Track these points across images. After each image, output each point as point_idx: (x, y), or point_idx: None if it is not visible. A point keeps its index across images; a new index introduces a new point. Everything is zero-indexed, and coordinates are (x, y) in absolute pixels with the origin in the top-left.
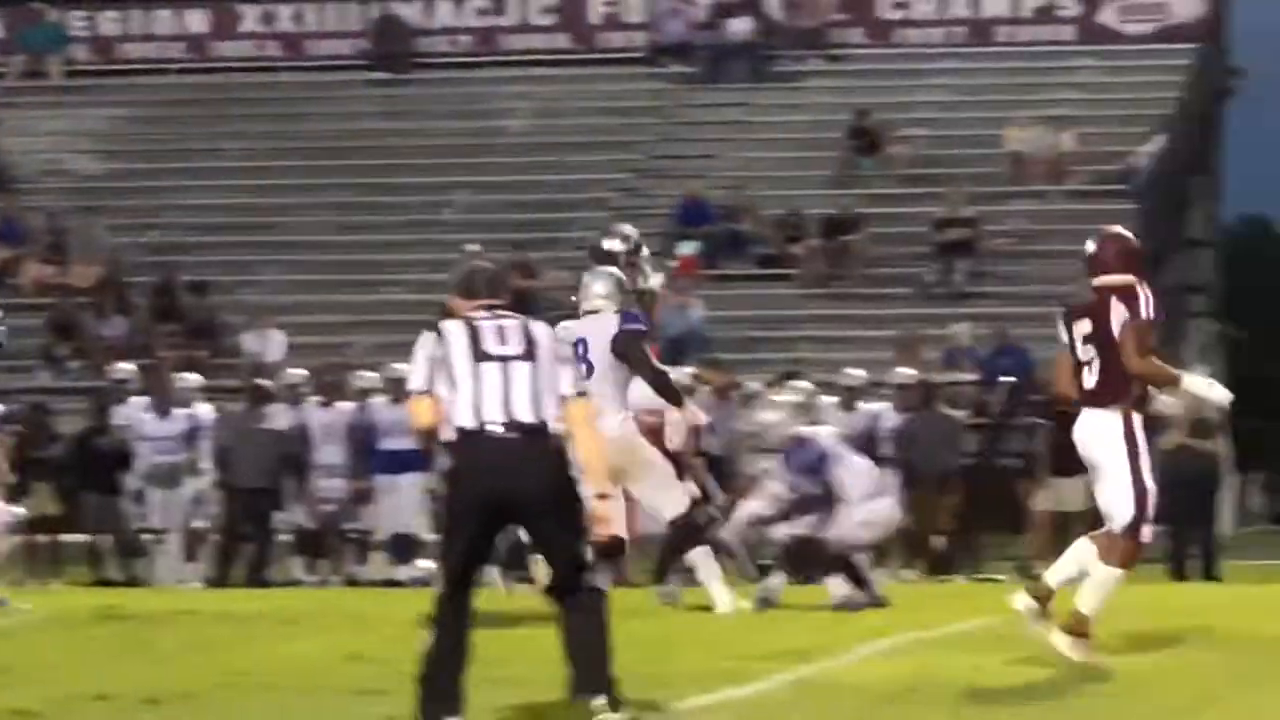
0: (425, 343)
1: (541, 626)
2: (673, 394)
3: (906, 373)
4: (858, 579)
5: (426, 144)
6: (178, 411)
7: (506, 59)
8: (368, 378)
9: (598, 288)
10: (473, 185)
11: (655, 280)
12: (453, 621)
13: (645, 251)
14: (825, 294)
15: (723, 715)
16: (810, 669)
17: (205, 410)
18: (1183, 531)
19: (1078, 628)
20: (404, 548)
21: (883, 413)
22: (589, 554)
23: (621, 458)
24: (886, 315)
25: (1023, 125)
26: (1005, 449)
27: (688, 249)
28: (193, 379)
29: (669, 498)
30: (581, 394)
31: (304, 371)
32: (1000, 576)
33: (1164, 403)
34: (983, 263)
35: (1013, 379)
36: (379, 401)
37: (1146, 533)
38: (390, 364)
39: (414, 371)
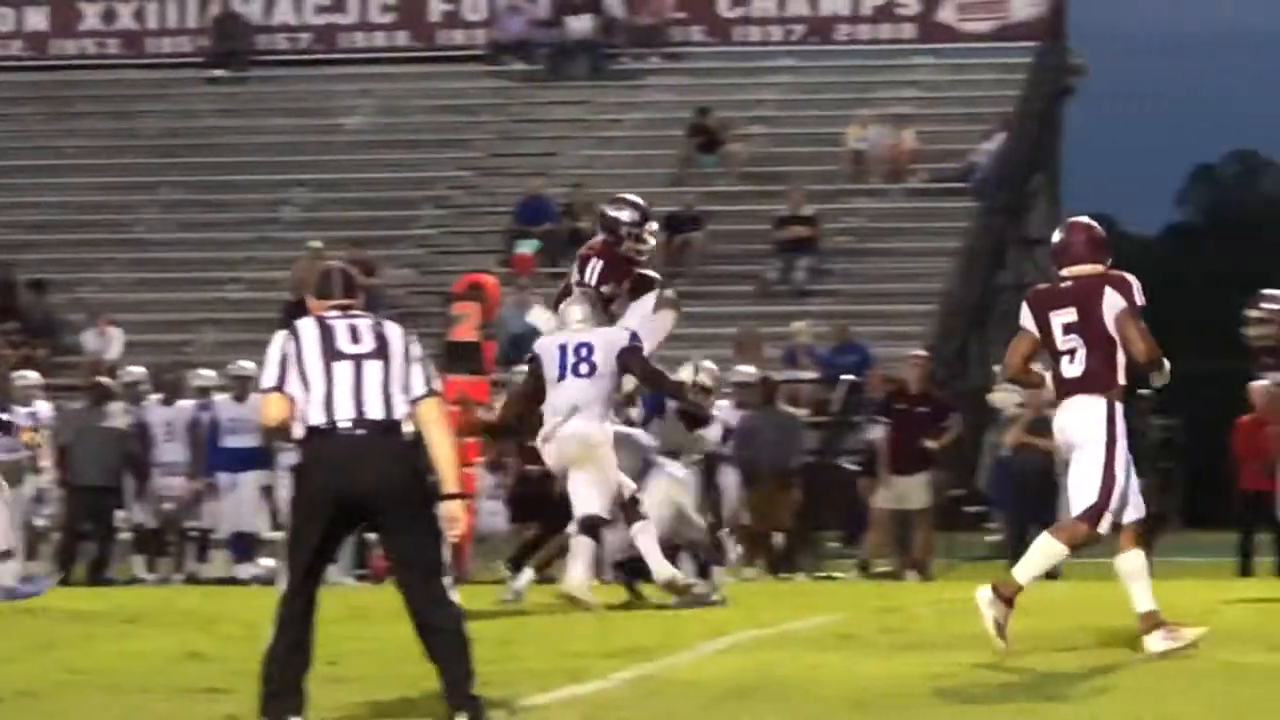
0: (278, 341)
1: (380, 625)
2: (677, 395)
3: (747, 370)
4: (703, 570)
5: (266, 141)
6: (18, 409)
7: (346, 57)
8: (206, 376)
9: (575, 312)
10: (313, 183)
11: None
12: (297, 620)
13: (653, 225)
14: None
15: (564, 714)
16: (651, 666)
17: (45, 408)
18: (1024, 528)
19: (1003, 590)
20: (245, 546)
21: (722, 410)
22: (444, 554)
23: (579, 452)
24: (727, 313)
25: (863, 123)
26: (845, 447)
27: (528, 247)
28: (33, 377)
29: (592, 496)
30: (433, 393)
31: (143, 369)
32: (840, 575)
33: (1001, 400)
34: (823, 260)
35: (853, 377)
36: (221, 399)
37: (1105, 523)
38: (231, 361)
39: (266, 369)
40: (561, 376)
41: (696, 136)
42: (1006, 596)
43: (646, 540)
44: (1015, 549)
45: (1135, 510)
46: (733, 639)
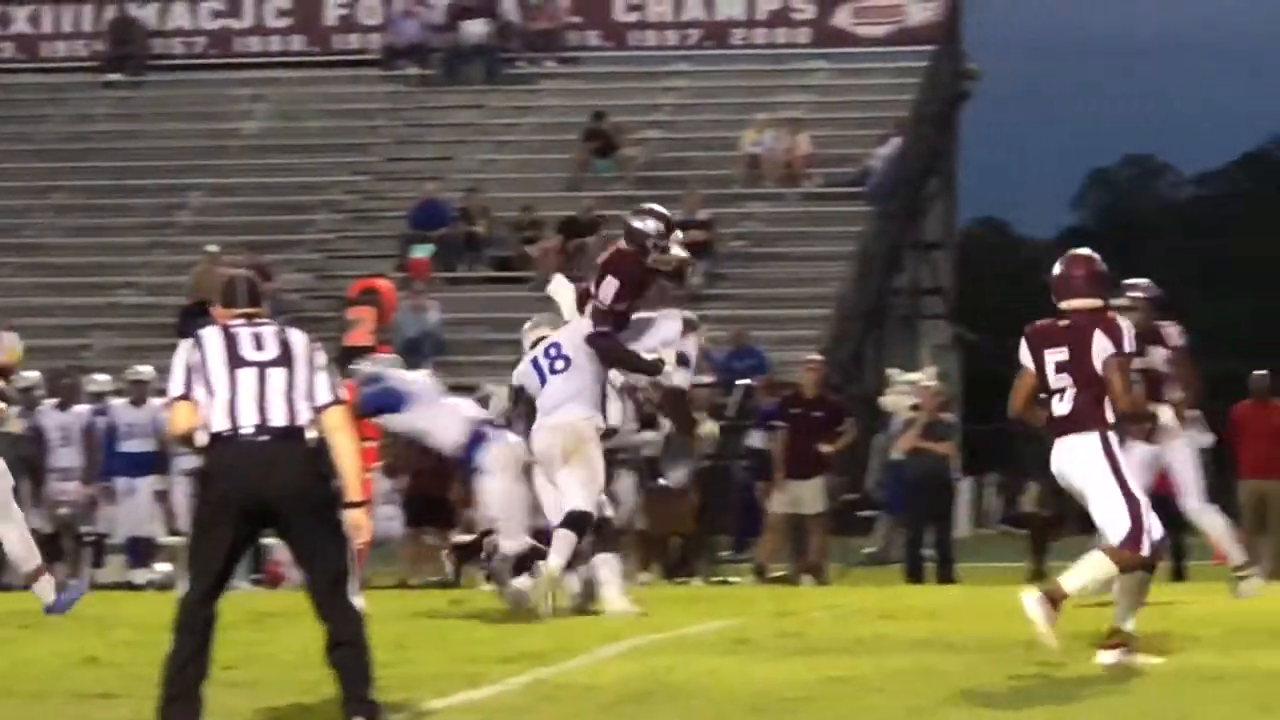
0: (183, 349)
1: (277, 630)
2: (650, 371)
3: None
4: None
5: (162, 146)
6: None
7: (242, 61)
8: (100, 380)
9: (540, 330)
10: (208, 187)
11: (677, 250)
12: (199, 626)
13: (679, 234)
14: None
15: (461, 718)
16: (548, 671)
17: None
18: (918, 533)
19: (1053, 595)
20: (141, 551)
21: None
22: (349, 560)
23: (568, 443)
24: None
25: (759, 127)
26: (741, 451)
27: (423, 251)
28: None
29: (581, 494)
30: (337, 401)
31: (38, 374)
32: (736, 579)
33: (892, 403)
34: (719, 264)
35: (749, 381)
36: (118, 403)
37: (1145, 545)
38: (128, 366)
39: (172, 378)
40: (544, 382)
41: (592, 141)
42: (1054, 601)
43: (607, 571)
44: (911, 552)
45: (1154, 530)
46: (629, 643)
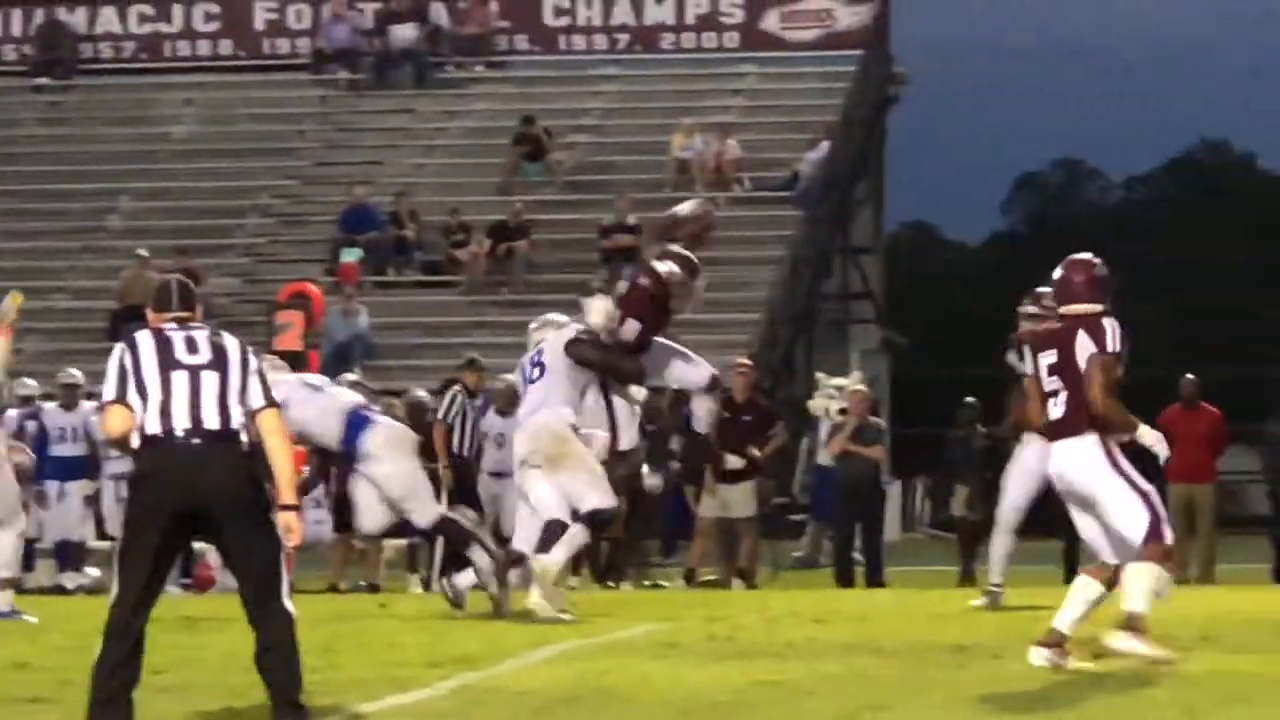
0: (116, 353)
1: (206, 634)
2: (635, 375)
3: None
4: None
5: (91, 150)
6: None
7: (171, 65)
8: (29, 385)
9: (544, 331)
10: (137, 191)
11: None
12: (130, 630)
13: (701, 281)
14: (490, 300)
15: None
16: (476, 675)
17: None
18: (848, 537)
19: (1134, 625)
20: (71, 555)
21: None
22: (282, 564)
23: (555, 447)
24: None
25: (688, 132)
26: (672, 454)
27: (352, 256)
28: None
29: (594, 494)
30: (271, 405)
31: None
32: (666, 583)
33: (817, 406)
34: None
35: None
36: (50, 407)
37: (1168, 533)
38: (59, 369)
39: (106, 382)
40: (525, 389)
41: (521, 145)
42: (1135, 629)
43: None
44: (840, 556)
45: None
46: (559, 648)
